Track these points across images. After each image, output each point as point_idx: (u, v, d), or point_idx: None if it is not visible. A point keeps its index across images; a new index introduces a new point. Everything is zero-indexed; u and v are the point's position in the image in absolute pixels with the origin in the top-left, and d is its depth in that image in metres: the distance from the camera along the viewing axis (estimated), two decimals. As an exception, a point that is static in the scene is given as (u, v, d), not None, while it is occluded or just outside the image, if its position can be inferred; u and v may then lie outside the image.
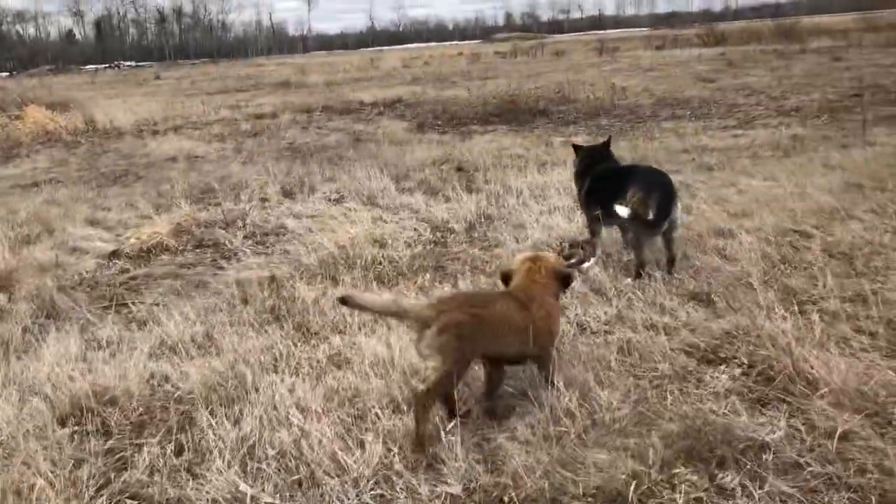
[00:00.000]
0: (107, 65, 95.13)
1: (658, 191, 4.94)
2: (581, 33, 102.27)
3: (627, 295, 4.70)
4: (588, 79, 20.68)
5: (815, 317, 3.97)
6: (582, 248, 5.84)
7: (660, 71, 21.80)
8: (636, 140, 11.02)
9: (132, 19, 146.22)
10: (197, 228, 7.13)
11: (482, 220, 7.05)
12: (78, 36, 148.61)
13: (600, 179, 5.38)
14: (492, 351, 3.38)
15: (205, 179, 9.71)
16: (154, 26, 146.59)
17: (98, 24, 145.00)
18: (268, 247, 6.57)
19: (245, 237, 6.91)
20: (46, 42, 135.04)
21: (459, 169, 9.78)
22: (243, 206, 7.94)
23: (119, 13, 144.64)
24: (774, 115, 12.66)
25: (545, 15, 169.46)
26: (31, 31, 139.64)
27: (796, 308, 4.08)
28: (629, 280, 5.00)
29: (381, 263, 5.76)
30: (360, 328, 4.36)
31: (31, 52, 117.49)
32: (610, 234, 5.80)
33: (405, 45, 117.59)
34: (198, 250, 6.58)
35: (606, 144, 5.74)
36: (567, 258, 5.78)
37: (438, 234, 6.67)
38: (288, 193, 8.60)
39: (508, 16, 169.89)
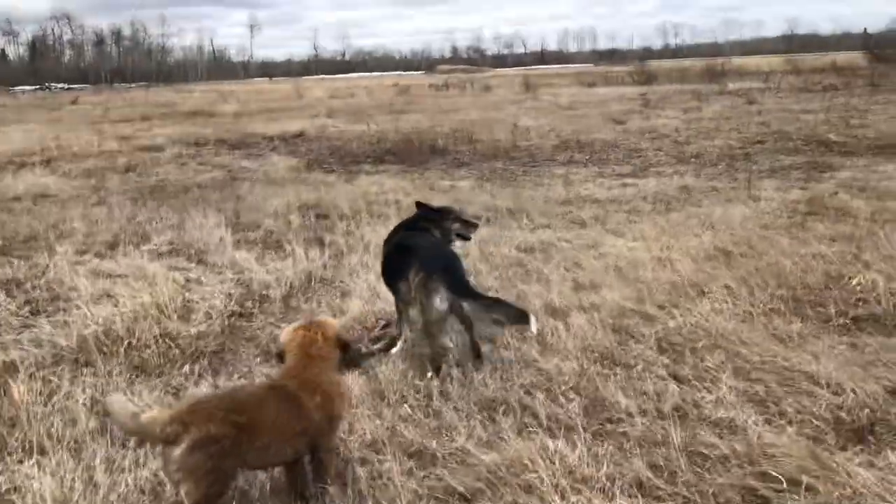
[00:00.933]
0: (37, 86, 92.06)
1: (442, 268, 4.14)
2: (522, 68, 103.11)
3: (408, 401, 3.85)
4: (504, 116, 20.15)
5: (608, 448, 3.19)
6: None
7: (576, 110, 21.41)
8: (521, 188, 10.32)
9: (68, 40, 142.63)
10: None
11: (311, 284, 6.17)
12: (11, 56, 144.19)
13: (396, 250, 4.56)
14: (260, 463, 2.91)
15: (37, 224, 8.60)
16: (92, 48, 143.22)
17: (32, 44, 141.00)
18: (42, 316, 5.54)
19: (25, 303, 5.85)
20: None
21: (323, 216, 8.91)
22: (49, 262, 6.89)
23: (55, 34, 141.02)
24: (673, 162, 12.17)
25: (491, 49, 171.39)
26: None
27: (588, 435, 3.30)
28: (430, 375, 4.15)
29: (157, 344, 4.81)
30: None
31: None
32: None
33: (348, 74, 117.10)
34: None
35: (439, 210, 4.88)
36: (375, 340, 4.94)
37: (249, 304, 5.75)
38: (113, 245, 7.56)
39: (454, 49, 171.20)
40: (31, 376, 4.32)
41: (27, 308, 5.73)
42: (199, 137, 17.64)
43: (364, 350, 4.66)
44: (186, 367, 4.50)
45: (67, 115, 28.57)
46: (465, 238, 4.70)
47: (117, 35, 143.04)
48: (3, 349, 4.84)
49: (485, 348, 4.44)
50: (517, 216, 8.42)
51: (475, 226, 4.70)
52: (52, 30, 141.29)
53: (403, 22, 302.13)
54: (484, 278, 6.06)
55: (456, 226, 4.66)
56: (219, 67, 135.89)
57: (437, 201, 9.41)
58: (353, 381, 4.07)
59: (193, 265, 6.86)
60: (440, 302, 4.03)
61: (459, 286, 4.05)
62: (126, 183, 11.74)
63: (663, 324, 4.72)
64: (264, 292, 5.95)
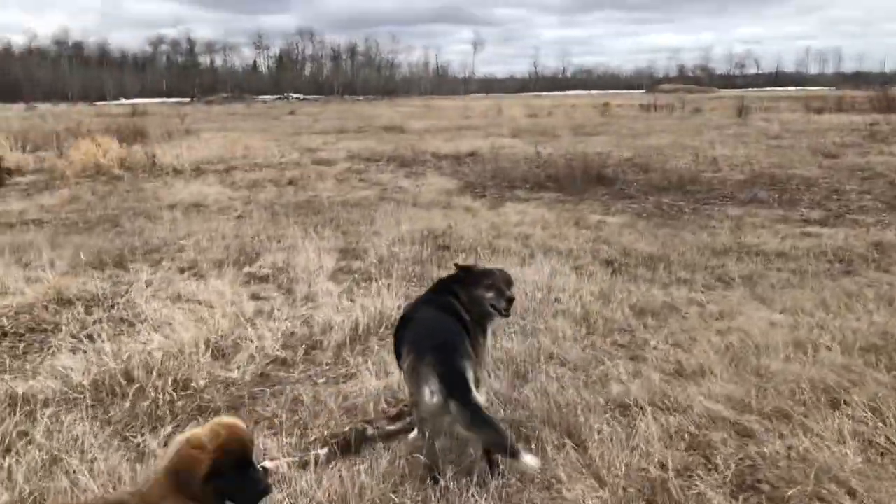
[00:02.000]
0: (277, 96, 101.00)
1: (435, 347, 3.25)
2: (752, 89, 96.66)
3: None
4: (698, 143, 18.40)
5: None
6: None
7: (783, 139, 19.04)
8: (680, 230, 9.00)
9: (310, 55, 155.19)
10: (52, 305, 6.03)
11: (377, 331, 5.51)
12: (261, 67, 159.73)
13: (400, 321, 3.74)
14: None
15: (169, 236, 8.75)
16: (329, 62, 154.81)
17: (279, 58, 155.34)
18: (98, 341, 5.34)
19: (95, 322, 5.72)
20: (231, 72, 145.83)
21: (444, 247, 8.25)
22: (147, 277, 6.83)
23: (299, 48, 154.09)
24: (880, 209, 10.13)
25: (721, 68, 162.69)
26: (219, 61, 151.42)
27: None
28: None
29: (163, 392, 4.37)
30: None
31: (215, 81, 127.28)
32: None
33: (565, 92, 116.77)
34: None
35: (475, 274, 3.90)
36: (395, 417, 4.10)
37: (298, 349, 5.18)
38: (221, 264, 7.40)
39: (681, 67, 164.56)
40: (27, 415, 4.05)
41: (90, 328, 5.58)
42: (375, 153, 17.75)
43: (370, 432, 3.87)
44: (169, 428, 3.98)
45: (278, 125, 30.43)
46: (501, 313, 3.76)
47: (352, 51, 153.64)
48: (25, 377, 4.65)
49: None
50: (655, 265, 7.22)
51: (510, 299, 3.74)
52: (297, 45, 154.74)
53: (627, 40, 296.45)
54: (569, 345, 5.06)
55: (490, 295, 3.73)
56: (441, 83, 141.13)
57: (573, 238, 8.57)
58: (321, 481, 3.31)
59: (277, 294, 6.48)
60: (430, 395, 3.16)
61: (453, 377, 3.15)
62: (281, 196, 11.83)
63: (759, 447, 3.49)
64: (319, 337, 5.36)
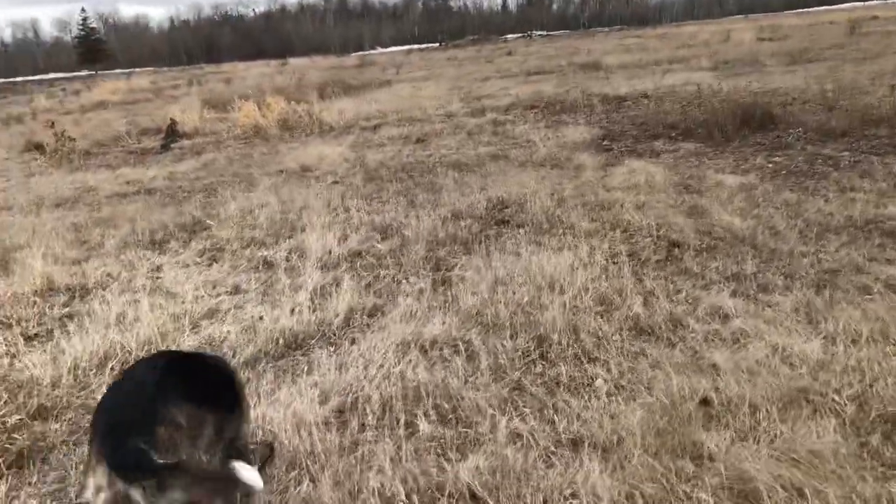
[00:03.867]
0: (520, 34, 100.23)
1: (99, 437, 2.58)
2: None
3: None
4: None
5: None
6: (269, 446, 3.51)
7: None
8: (812, 195, 7.21)
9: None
10: (33, 297, 6.08)
11: (332, 337, 4.92)
12: (510, 7, 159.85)
13: None
14: None
15: (236, 206, 8.71)
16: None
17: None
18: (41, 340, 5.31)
19: (61, 318, 5.68)
20: (480, 13, 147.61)
21: (503, 222, 7.33)
22: (151, 261, 6.79)
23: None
24: None
25: None
26: (470, 4, 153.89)
27: None
28: None
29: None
30: None
31: (463, 24, 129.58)
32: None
33: (841, 6, 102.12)
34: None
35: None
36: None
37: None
38: (259, 243, 7.18)
39: None
40: None
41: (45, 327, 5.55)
42: (539, 98, 16.58)
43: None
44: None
45: (480, 70, 29.85)
46: None
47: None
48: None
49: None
50: (735, 253, 5.75)
51: None
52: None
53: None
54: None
55: None
56: (692, 6, 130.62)
57: (662, 206, 7.14)
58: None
59: (264, 286, 6.06)
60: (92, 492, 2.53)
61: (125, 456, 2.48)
62: (395, 157, 11.38)
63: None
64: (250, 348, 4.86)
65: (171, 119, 15.81)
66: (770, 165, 8.71)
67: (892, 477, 2.91)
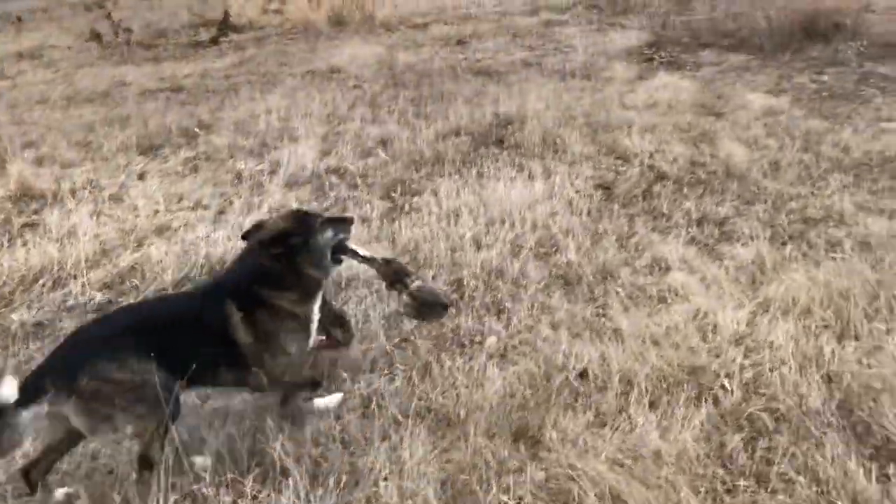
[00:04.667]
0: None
1: None
2: None
3: None
4: None
5: None
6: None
7: None
8: (844, 122, 6.53)
9: None
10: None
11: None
12: None
13: None
14: None
15: (246, 109, 8.57)
16: None
17: None
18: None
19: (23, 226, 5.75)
20: None
21: (500, 142, 6.96)
22: (139, 167, 6.81)
23: None
24: None
25: None
26: None
27: None
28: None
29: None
30: None
31: None
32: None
33: None
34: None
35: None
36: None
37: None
38: (239, 152, 7.08)
39: None
40: None
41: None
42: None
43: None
44: None
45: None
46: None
47: None
48: None
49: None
50: (704, 199, 5.27)
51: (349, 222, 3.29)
52: None
53: None
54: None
55: (328, 234, 3.15)
56: None
57: (668, 132, 6.55)
58: None
59: (226, 202, 5.97)
60: None
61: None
62: (428, 60, 10.88)
63: None
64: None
65: (224, 11, 15.60)
66: (813, 85, 7.86)
67: (731, 492, 2.60)
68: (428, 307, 3.24)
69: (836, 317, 3.48)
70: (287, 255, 2.98)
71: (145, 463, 2.75)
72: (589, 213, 5.08)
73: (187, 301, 3.21)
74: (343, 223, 3.22)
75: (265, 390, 3.05)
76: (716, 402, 3.05)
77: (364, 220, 5.22)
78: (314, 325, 3.11)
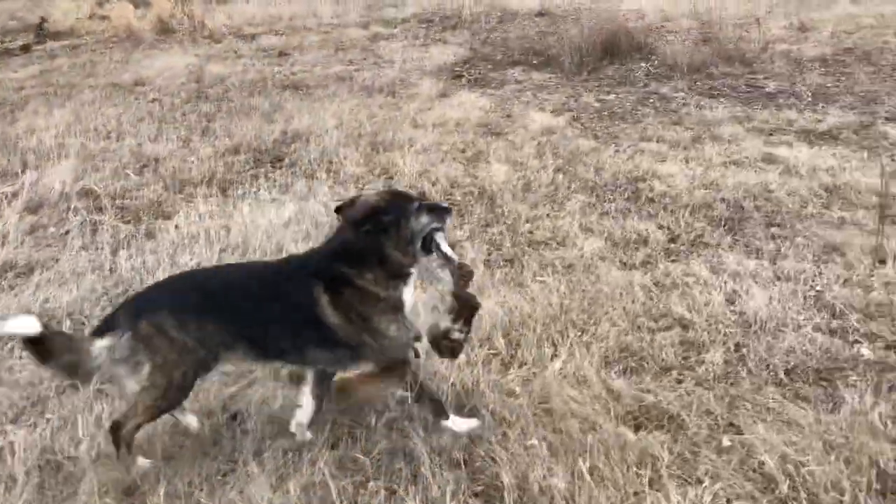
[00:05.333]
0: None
1: None
2: None
3: None
4: None
5: None
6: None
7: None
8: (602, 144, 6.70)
9: None
10: None
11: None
12: None
13: None
14: None
15: (22, 126, 8.04)
16: None
17: None
18: None
19: None
20: None
21: (279, 160, 6.81)
22: None
23: None
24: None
25: None
26: None
27: None
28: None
29: None
30: None
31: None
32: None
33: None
34: None
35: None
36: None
37: None
38: None
39: None
40: None
41: None
42: (444, 9, 15.47)
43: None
44: None
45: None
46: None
47: None
48: None
49: None
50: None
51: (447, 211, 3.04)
52: None
53: None
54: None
55: (423, 220, 2.92)
56: None
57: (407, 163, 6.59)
58: None
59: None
60: None
61: None
62: (241, 73, 10.60)
63: None
64: None
65: (41, 17, 14.75)
66: (597, 104, 8.15)
67: None
68: (442, 350, 3.03)
69: (510, 343, 3.53)
70: (374, 234, 2.80)
71: (115, 431, 2.78)
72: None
73: (273, 273, 3.03)
74: (441, 212, 2.98)
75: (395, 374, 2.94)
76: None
77: (98, 248, 4.94)
78: (405, 312, 2.92)
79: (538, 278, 4.27)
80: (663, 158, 6.31)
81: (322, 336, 2.81)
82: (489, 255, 4.68)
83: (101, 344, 2.68)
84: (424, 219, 2.88)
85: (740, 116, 7.25)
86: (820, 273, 4.09)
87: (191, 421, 3.07)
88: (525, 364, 3.40)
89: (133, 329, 2.68)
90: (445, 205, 3.10)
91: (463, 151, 6.82)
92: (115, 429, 2.79)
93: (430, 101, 8.60)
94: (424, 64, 10.68)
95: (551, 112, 7.92)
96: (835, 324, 3.59)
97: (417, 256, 2.91)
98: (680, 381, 3.22)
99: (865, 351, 3.33)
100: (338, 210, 2.96)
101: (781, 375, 3.19)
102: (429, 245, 2.90)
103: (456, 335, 2.95)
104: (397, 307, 2.86)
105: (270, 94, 9.19)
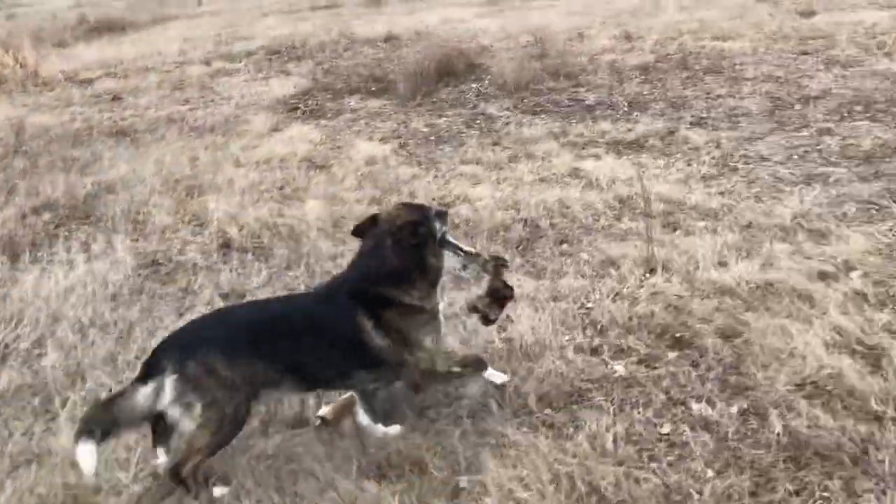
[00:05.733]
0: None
1: None
2: None
3: None
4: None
5: None
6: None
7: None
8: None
9: None
10: None
11: None
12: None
13: None
14: None
15: None
16: None
17: None
18: None
19: None
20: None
21: (85, 217, 6.45)
22: None
23: None
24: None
25: None
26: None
27: None
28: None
29: None
30: None
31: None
32: None
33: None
34: None
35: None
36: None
37: None
38: None
39: None
40: None
41: None
42: (294, 41, 15.24)
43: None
44: None
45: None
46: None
47: None
48: None
49: None
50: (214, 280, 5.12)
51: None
52: None
53: None
54: None
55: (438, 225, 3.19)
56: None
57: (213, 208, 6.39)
58: None
59: None
60: None
61: None
62: (68, 122, 10.11)
63: None
64: None
65: None
66: (426, 129, 8.18)
67: None
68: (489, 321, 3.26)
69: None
70: (418, 246, 2.95)
71: (175, 476, 2.79)
72: (115, 297, 4.76)
73: (311, 304, 3.11)
74: (445, 216, 3.20)
75: (423, 387, 3.20)
76: None
77: None
78: (441, 317, 3.12)
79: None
80: (478, 181, 6.37)
81: (368, 359, 2.91)
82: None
83: (146, 390, 2.71)
84: (438, 224, 3.09)
85: (557, 132, 7.40)
86: (594, 289, 4.16)
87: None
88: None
89: (180, 371, 2.70)
90: (444, 209, 3.31)
91: (281, 189, 6.70)
92: (176, 473, 2.80)
93: (259, 138, 8.44)
94: (262, 98, 10.49)
95: (380, 140, 7.89)
96: (597, 341, 3.64)
97: (442, 260, 3.09)
98: (434, 421, 3.18)
99: (619, 368, 3.38)
100: (357, 232, 3.08)
101: (532, 404, 3.19)
102: (444, 247, 3.10)
103: (492, 318, 3.22)
104: (436, 316, 3.04)
105: (94, 143, 8.81)
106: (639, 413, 3.06)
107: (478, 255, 3.15)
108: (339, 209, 6.01)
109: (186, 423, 2.73)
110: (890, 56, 8.72)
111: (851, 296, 3.73)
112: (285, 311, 3.08)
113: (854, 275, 3.94)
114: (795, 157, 6.04)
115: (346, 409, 3.20)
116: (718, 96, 8.00)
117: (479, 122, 8.21)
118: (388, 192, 6.30)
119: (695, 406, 3.05)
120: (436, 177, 6.62)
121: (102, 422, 2.67)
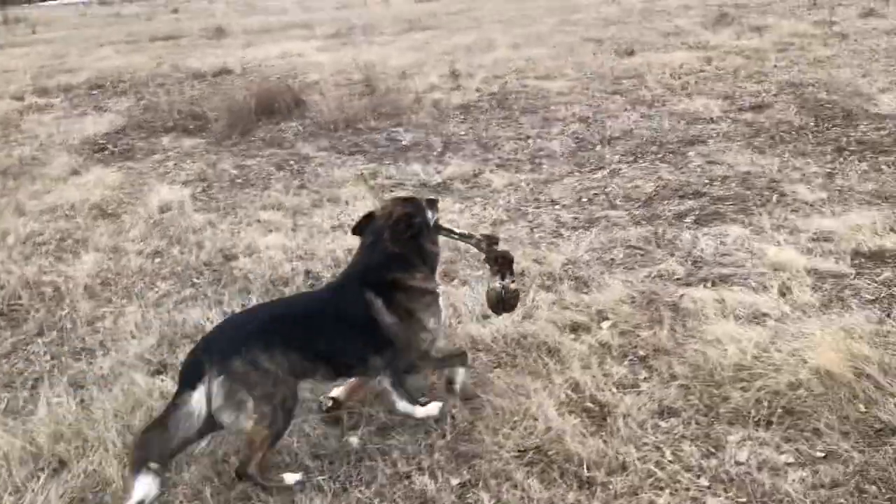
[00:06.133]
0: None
1: None
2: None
3: None
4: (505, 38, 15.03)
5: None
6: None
7: (626, 23, 15.52)
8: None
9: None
10: None
11: None
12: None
13: None
14: None
15: None
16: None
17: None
18: None
19: None
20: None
21: None
22: None
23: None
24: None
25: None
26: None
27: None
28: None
29: None
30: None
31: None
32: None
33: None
34: None
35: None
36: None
37: None
38: None
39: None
40: None
41: None
42: (123, 74, 14.52)
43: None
44: None
45: (126, 29, 26.72)
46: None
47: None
48: None
49: None
50: None
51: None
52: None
53: None
54: None
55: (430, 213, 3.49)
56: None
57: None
58: None
59: None
60: None
61: None
62: None
63: None
64: None
65: None
66: (234, 171, 7.87)
67: None
68: (506, 305, 3.41)
69: None
70: (414, 235, 3.20)
71: (243, 476, 2.87)
72: None
73: (325, 297, 3.35)
74: (436, 203, 3.51)
75: (417, 369, 3.33)
76: None
77: None
78: (441, 299, 3.35)
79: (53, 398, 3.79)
80: (274, 228, 6.13)
81: (380, 339, 3.11)
82: (20, 373, 4.13)
83: (197, 396, 2.75)
84: (430, 212, 3.37)
85: (367, 174, 7.29)
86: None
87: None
88: None
89: (227, 371, 2.77)
90: (434, 197, 3.64)
91: (62, 241, 6.21)
92: (243, 473, 2.86)
93: (54, 182, 7.88)
94: (71, 137, 9.86)
95: (182, 184, 7.52)
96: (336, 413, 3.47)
97: (439, 245, 3.39)
98: None
99: (353, 440, 3.22)
100: (357, 230, 3.35)
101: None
102: (438, 232, 3.41)
103: (513, 286, 3.36)
104: (437, 300, 3.27)
105: None
106: (361, 493, 2.90)
107: (471, 235, 3.49)
108: (114, 264, 5.60)
109: (242, 420, 2.79)
110: (690, 96, 9.19)
111: (596, 348, 3.74)
112: (306, 304, 3.37)
113: (605, 325, 3.97)
114: (584, 199, 6.18)
115: (355, 392, 3.39)
116: (528, 137, 8.15)
117: (291, 163, 7.99)
118: (178, 242, 5.97)
119: (417, 480, 2.91)
120: (231, 224, 6.33)
121: (159, 444, 2.72)
